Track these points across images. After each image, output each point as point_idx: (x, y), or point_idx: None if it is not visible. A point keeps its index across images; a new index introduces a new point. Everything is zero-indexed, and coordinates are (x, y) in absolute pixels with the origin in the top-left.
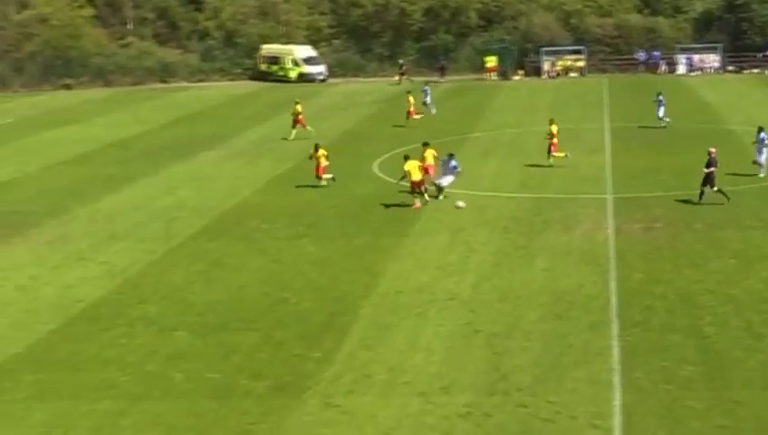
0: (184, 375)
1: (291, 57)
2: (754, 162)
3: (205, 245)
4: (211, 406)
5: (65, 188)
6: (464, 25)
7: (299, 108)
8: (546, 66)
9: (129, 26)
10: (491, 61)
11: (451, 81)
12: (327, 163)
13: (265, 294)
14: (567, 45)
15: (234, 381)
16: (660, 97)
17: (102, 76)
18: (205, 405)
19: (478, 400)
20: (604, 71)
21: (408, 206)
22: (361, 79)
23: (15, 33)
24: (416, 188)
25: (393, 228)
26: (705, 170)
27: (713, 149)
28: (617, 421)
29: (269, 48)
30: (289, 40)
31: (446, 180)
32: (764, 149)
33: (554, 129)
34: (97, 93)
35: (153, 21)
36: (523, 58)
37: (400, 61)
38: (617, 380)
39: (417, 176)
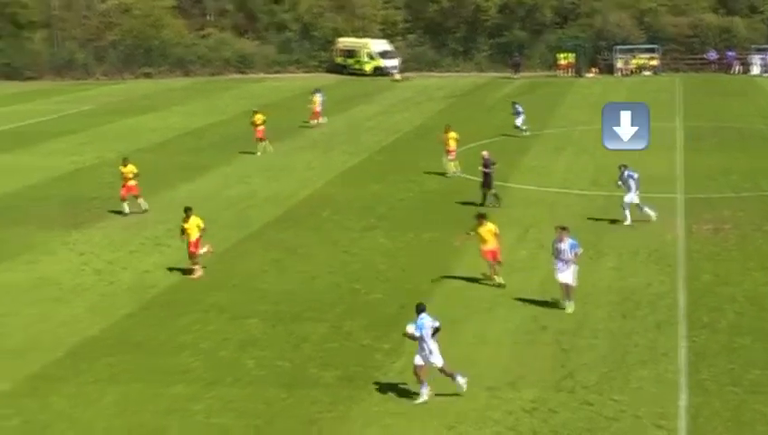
0: (255, 362)
1: (366, 51)
2: None
3: (278, 234)
4: (280, 394)
5: (142, 174)
6: (538, 22)
7: (316, 98)
8: (619, 64)
9: (208, 17)
10: (565, 58)
11: (524, 77)
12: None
13: (336, 285)
14: (641, 44)
15: (303, 370)
16: (518, 107)
17: (182, 66)
18: (274, 392)
19: (544, 396)
20: (677, 70)
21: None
22: (435, 74)
23: (98, 22)
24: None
25: (463, 223)
26: None
27: None
28: (682, 422)
29: (345, 41)
30: (364, 34)
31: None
32: None
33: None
34: (176, 83)
35: (232, 12)
36: (596, 56)
37: (515, 55)
38: (683, 380)
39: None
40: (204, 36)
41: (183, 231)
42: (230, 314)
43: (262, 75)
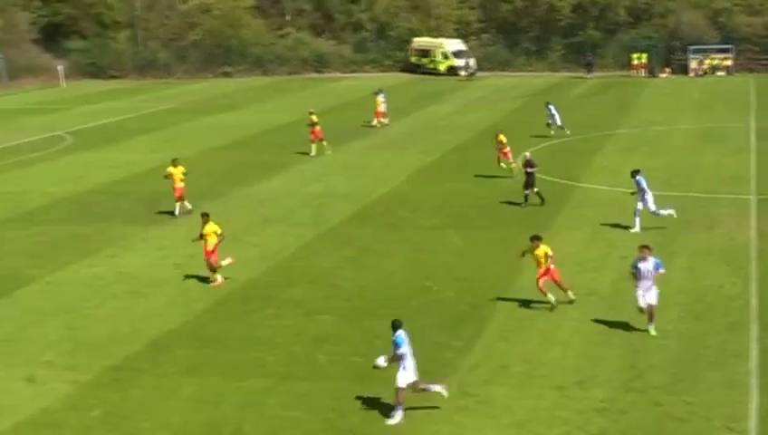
0: (328, 358)
1: (441, 50)
2: None
3: (353, 231)
4: (352, 389)
5: (222, 172)
6: (612, 22)
7: (379, 99)
8: (693, 64)
9: (287, 17)
10: (638, 58)
11: (597, 77)
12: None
13: (409, 282)
14: (714, 44)
15: None
16: (552, 108)
17: (260, 65)
18: (347, 388)
19: (614, 396)
20: (752, 70)
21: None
22: (509, 73)
23: (180, 22)
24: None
25: (534, 222)
26: None
27: None
28: (752, 424)
29: (420, 41)
30: (439, 33)
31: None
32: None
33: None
34: (254, 81)
35: (310, 12)
36: (670, 56)
37: (588, 54)
38: (754, 382)
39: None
40: (282, 36)
41: (201, 236)
42: (305, 310)
43: (338, 75)
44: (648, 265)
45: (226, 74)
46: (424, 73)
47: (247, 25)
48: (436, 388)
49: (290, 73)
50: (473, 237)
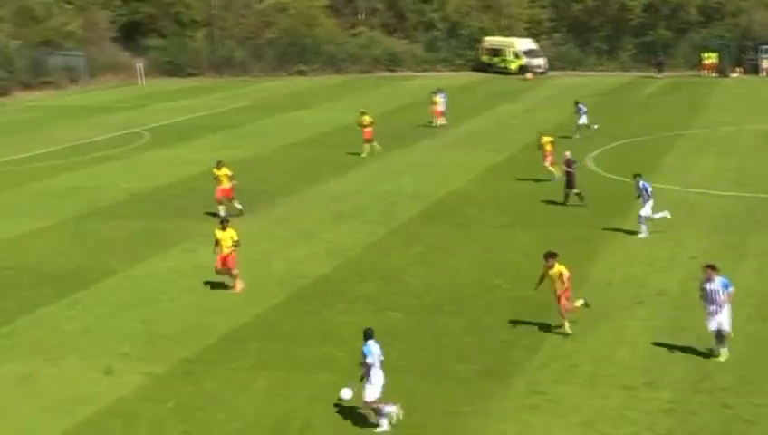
0: (398, 354)
1: (512, 49)
2: None
3: (422, 229)
4: (421, 385)
5: (295, 168)
6: (683, 21)
7: (438, 99)
8: (765, 64)
9: (359, 16)
10: (709, 57)
11: (668, 76)
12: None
13: (477, 280)
14: None
15: (443, 363)
16: (581, 106)
17: (333, 63)
18: (415, 384)
19: (682, 397)
20: None
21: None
22: (580, 72)
23: (256, 21)
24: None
25: (604, 221)
26: None
27: None
28: None
29: (491, 40)
30: (510, 33)
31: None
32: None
33: (546, 140)
34: (328, 80)
35: (382, 11)
36: (741, 55)
37: (659, 54)
38: None
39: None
40: (355, 35)
41: (217, 242)
42: (375, 306)
43: (410, 73)
44: (714, 286)
45: (300, 72)
46: (495, 73)
47: (321, 24)
48: (391, 408)
49: (362, 72)
50: (541, 236)
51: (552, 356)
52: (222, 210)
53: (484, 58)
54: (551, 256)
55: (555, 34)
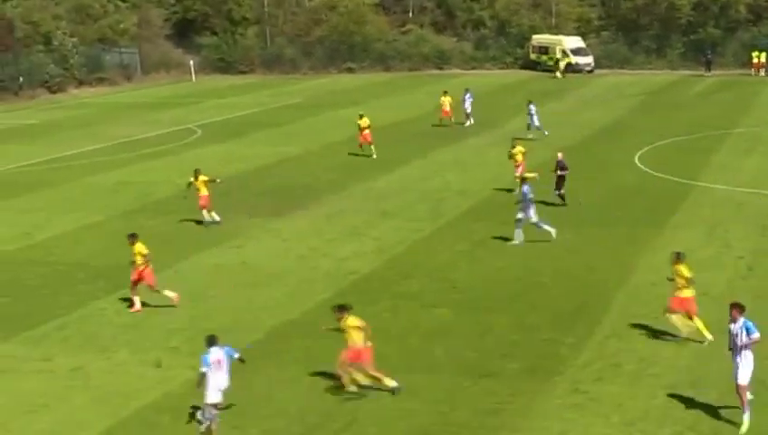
0: (442, 351)
1: (560, 47)
2: None
3: (468, 226)
4: (464, 382)
5: (343, 166)
6: (732, 20)
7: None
8: None
9: (409, 14)
10: (758, 56)
11: (717, 75)
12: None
13: (522, 278)
14: None
15: (487, 361)
16: (531, 107)
17: (382, 61)
18: (458, 381)
19: (726, 397)
20: None
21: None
22: (628, 71)
23: (306, 18)
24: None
25: (650, 220)
26: None
27: None
28: None
29: (540, 38)
30: (559, 31)
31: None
32: None
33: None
34: (376, 77)
35: (432, 9)
36: None
37: (708, 52)
38: None
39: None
40: (404, 32)
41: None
42: (420, 303)
43: (458, 71)
44: (736, 328)
45: (349, 70)
46: (543, 71)
47: (371, 22)
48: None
49: (411, 70)
50: (587, 235)
51: (596, 355)
52: (206, 216)
53: (533, 56)
54: (339, 309)
55: (603, 33)
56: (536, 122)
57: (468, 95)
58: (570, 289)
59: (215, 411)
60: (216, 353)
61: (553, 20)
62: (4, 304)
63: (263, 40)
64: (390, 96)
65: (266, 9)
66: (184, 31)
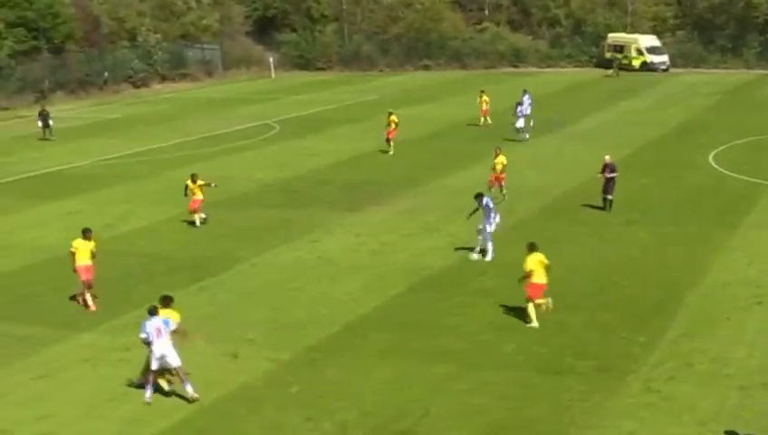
0: (515, 347)
1: (635, 46)
2: None
3: (542, 224)
4: (537, 379)
5: (419, 162)
6: None
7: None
8: None
9: (485, 12)
10: None
11: None
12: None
13: (595, 276)
14: None
15: (560, 358)
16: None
17: (458, 59)
18: (531, 378)
19: None
20: None
21: (739, 197)
22: (703, 70)
23: (384, 16)
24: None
25: (724, 219)
26: None
27: None
28: None
29: (615, 36)
30: (634, 29)
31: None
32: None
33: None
34: (452, 75)
35: (507, 7)
36: None
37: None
38: None
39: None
40: (480, 30)
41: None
42: (494, 299)
43: (533, 69)
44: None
45: (426, 67)
46: (618, 69)
47: (447, 20)
48: (188, 387)
49: (486, 67)
50: (661, 234)
51: (669, 354)
52: (198, 219)
53: (608, 55)
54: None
55: (679, 32)
56: (525, 112)
57: (527, 97)
58: (643, 288)
59: (150, 377)
60: (156, 322)
61: (629, 19)
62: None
63: (341, 37)
64: (465, 93)
65: (344, 7)
66: (264, 28)
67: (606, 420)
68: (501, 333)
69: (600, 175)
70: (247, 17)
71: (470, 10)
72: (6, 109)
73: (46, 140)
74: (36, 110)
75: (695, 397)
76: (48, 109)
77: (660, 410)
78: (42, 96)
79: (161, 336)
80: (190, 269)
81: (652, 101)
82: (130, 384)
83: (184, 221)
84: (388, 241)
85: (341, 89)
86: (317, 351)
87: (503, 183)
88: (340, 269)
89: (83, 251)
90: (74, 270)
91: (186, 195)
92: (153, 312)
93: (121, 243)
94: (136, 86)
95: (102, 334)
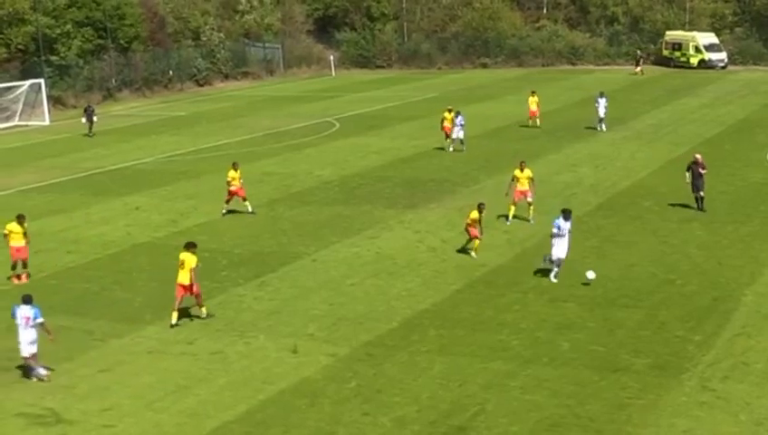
0: (570, 344)
1: (693, 43)
2: None
3: (599, 221)
4: (592, 377)
5: (477, 159)
6: None
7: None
8: None
9: (543, 10)
10: None
11: None
12: None
13: (652, 274)
14: None
15: (615, 356)
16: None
17: (516, 57)
18: (586, 375)
19: None
20: None
21: None
22: (762, 67)
23: (442, 14)
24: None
25: None
26: None
27: None
28: None
29: (673, 34)
30: (692, 27)
31: None
32: None
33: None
34: (510, 72)
35: (565, 5)
36: None
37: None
38: None
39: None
40: (538, 28)
41: (6, 234)
42: (549, 297)
43: (591, 67)
44: None
45: (483, 65)
46: (676, 67)
47: (505, 18)
48: (40, 370)
49: (544, 65)
50: (718, 231)
51: (725, 353)
52: (249, 206)
53: (666, 52)
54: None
55: (737, 29)
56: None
57: (603, 99)
58: (700, 286)
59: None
60: (25, 311)
61: (687, 16)
62: (154, 289)
63: (400, 35)
64: (523, 91)
65: (404, 5)
66: (324, 27)
67: (661, 419)
68: (557, 331)
69: (688, 173)
70: (308, 16)
71: (528, 8)
72: (75, 107)
73: (87, 136)
74: (103, 108)
75: (750, 396)
76: (93, 106)
77: (715, 408)
78: (108, 94)
79: (28, 326)
80: (251, 264)
81: (710, 99)
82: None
83: (226, 214)
84: (447, 238)
85: (401, 87)
86: (375, 346)
87: (528, 198)
88: (399, 265)
89: (17, 234)
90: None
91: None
92: (27, 300)
93: (185, 238)
94: (200, 84)
95: (166, 328)
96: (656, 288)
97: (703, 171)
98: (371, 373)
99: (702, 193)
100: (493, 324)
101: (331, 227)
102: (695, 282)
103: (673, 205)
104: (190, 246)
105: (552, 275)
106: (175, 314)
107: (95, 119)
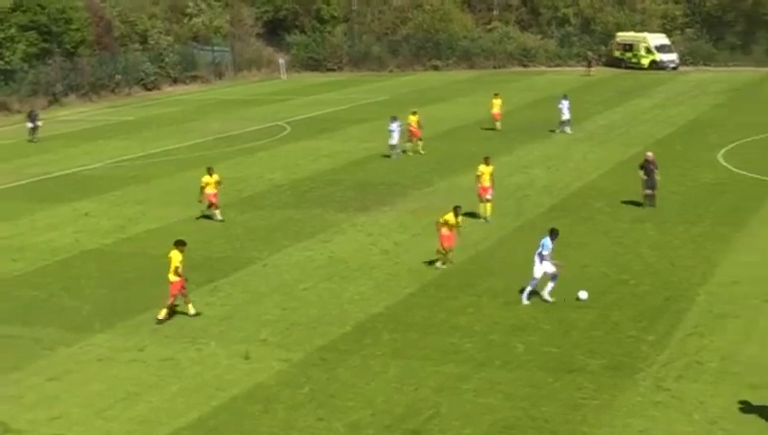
0: (524, 347)
1: (644, 44)
2: None
3: (552, 223)
4: (547, 378)
5: (429, 161)
6: None
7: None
8: None
9: (494, 12)
10: None
11: None
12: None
13: (605, 275)
14: None
15: (570, 357)
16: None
17: (467, 59)
18: (541, 377)
19: None
20: None
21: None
22: (712, 68)
23: (393, 17)
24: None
25: (733, 218)
26: None
27: None
28: None
29: (624, 35)
30: (643, 28)
31: None
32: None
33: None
34: (462, 75)
35: (517, 7)
36: None
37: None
38: None
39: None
40: (489, 30)
41: None
42: (503, 299)
43: (543, 68)
44: None
45: (435, 68)
46: (627, 68)
47: (456, 20)
48: None
49: (496, 67)
50: (670, 232)
51: (678, 353)
52: (218, 214)
53: (617, 53)
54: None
55: (688, 30)
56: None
57: (566, 101)
58: (653, 286)
59: None
60: None
61: (638, 17)
62: (103, 296)
63: (350, 38)
64: (475, 93)
65: (354, 8)
66: (274, 29)
67: (616, 419)
68: (511, 333)
69: (641, 172)
70: (258, 19)
71: (479, 10)
72: (20, 112)
73: (30, 141)
74: (49, 113)
75: (704, 395)
76: (37, 110)
77: (670, 408)
78: (54, 99)
79: None
80: (202, 269)
81: (661, 100)
82: None
83: (200, 218)
84: (399, 241)
85: (352, 89)
86: (328, 350)
87: (487, 195)
88: (351, 269)
89: None
90: None
91: (202, 191)
92: None
93: (134, 244)
94: (148, 88)
95: (115, 335)
96: (608, 289)
97: (655, 170)
98: (325, 378)
99: (655, 191)
100: (446, 327)
101: (283, 232)
102: (647, 282)
103: (625, 203)
104: (178, 244)
105: (545, 292)
106: (190, 307)
107: (39, 124)
